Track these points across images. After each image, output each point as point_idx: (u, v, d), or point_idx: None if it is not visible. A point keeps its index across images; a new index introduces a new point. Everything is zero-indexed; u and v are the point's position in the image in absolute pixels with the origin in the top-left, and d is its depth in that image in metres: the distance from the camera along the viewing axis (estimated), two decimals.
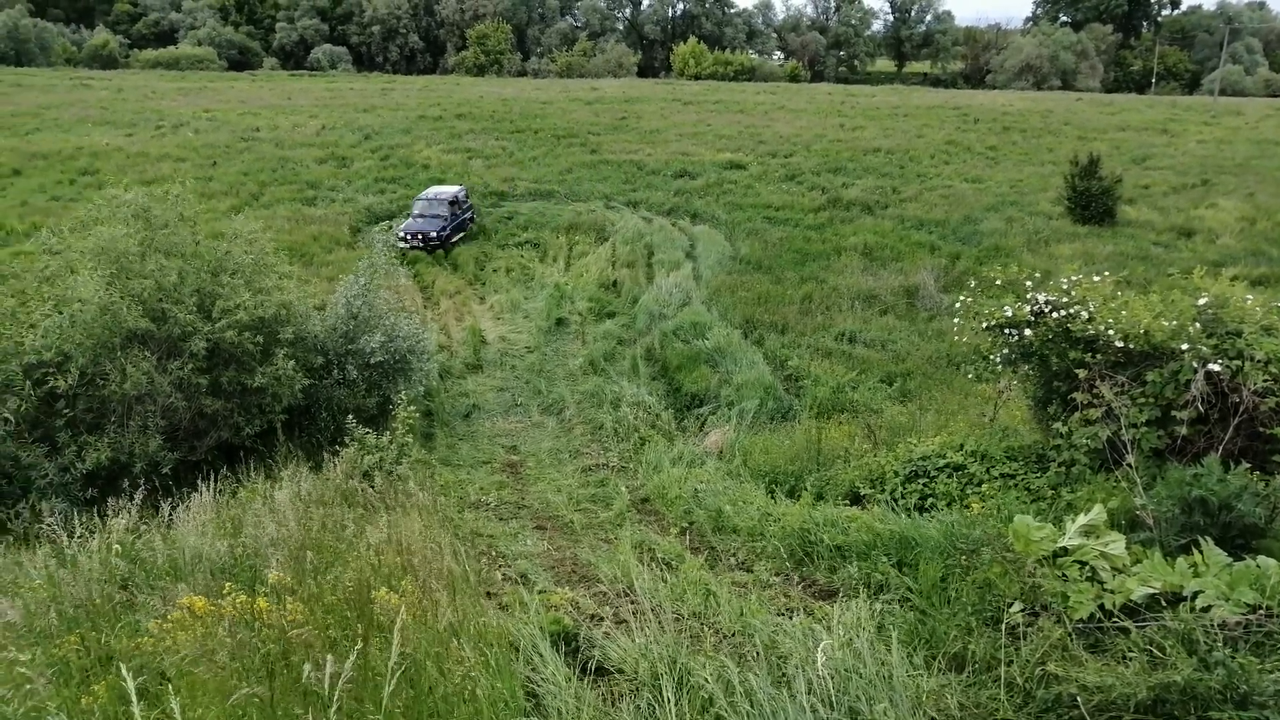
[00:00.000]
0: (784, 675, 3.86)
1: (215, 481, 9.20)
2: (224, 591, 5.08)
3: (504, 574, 8.46)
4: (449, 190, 31.57)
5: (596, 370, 19.97)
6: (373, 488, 9.29)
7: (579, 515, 11.88)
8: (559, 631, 6.01)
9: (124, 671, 3.52)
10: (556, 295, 24.37)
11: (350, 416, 11.37)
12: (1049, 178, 34.35)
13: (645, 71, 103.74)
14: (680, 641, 5.04)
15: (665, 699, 4.23)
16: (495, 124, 49.36)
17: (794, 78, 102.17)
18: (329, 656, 2.78)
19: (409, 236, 29.17)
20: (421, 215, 30.21)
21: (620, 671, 5.22)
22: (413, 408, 12.28)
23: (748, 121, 52.15)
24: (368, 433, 10.77)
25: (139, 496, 9.63)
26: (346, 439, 10.86)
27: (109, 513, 8.73)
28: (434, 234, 29.37)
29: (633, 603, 6.79)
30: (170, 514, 8.08)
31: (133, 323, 11.90)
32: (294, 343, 13.74)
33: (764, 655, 4.17)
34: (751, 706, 3.42)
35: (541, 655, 5.21)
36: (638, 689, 4.74)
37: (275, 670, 3.70)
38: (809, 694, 3.44)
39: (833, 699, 3.40)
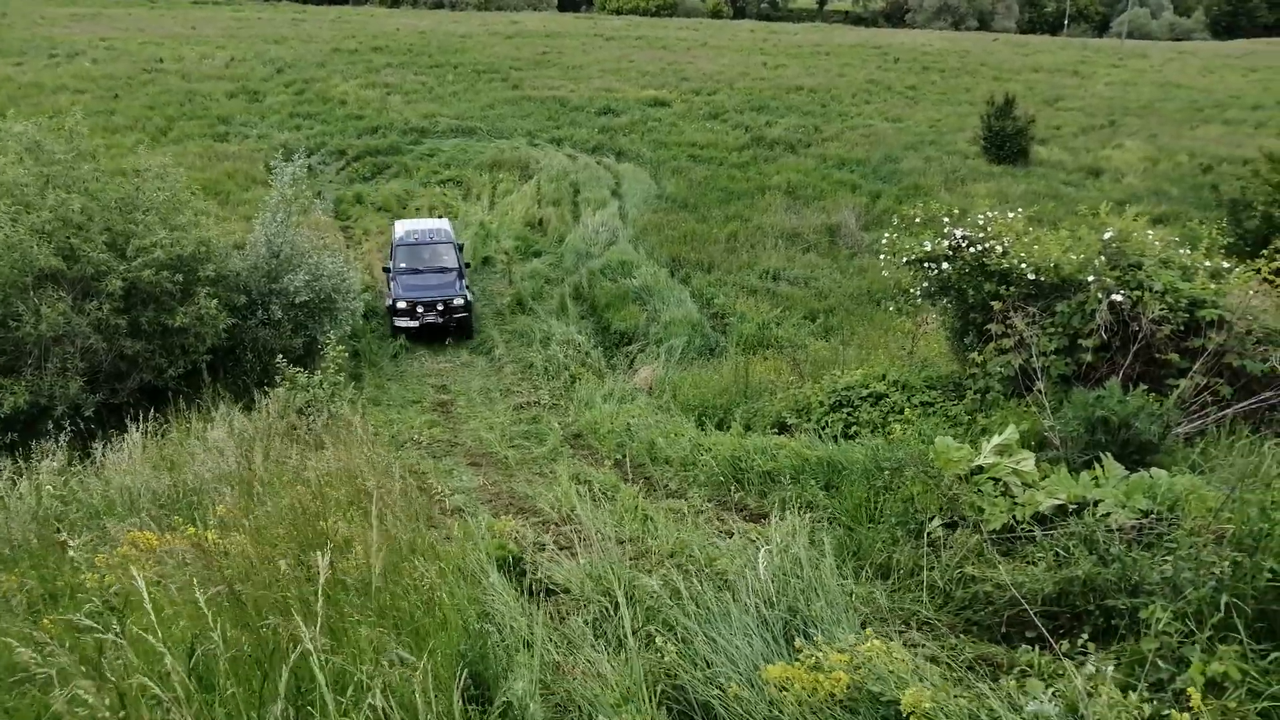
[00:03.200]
0: (726, 583, 4.13)
1: (144, 423, 9.08)
2: (173, 525, 5.12)
3: (441, 508, 8.61)
4: (442, 224, 21.13)
5: (525, 309, 19.99)
6: (308, 425, 9.31)
7: (513, 451, 12.03)
8: (505, 557, 6.20)
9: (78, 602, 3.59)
10: (482, 234, 24.16)
11: (281, 356, 11.26)
12: (966, 117, 35.06)
13: (566, 5, 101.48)
14: (624, 561, 5.29)
15: (615, 610, 4.47)
16: (413, 58, 47.95)
17: (716, 14, 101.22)
18: (317, 554, 2.91)
19: (414, 309, 18.33)
20: (420, 269, 19.17)
21: (566, 591, 5.45)
22: (341, 347, 12.20)
23: (670, 58, 51.72)
24: (299, 371, 10.69)
25: (64, 439, 9.47)
26: (277, 378, 10.77)
27: (34, 456, 8.58)
28: (459, 300, 18.61)
29: (575, 529, 7.04)
30: (101, 455, 7.99)
31: (43, 261, 11.50)
32: (215, 281, 13.45)
33: (705, 568, 4.43)
34: (698, 608, 3.67)
35: (490, 578, 5.40)
36: (585, 605, 4.98)
37: (237, 593, 3.80)
38: (750, 595, 3.71)
39: (773, 599, 3.68)
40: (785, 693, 2.92)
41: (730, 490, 8.43)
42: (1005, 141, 29.43)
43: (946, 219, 9.44)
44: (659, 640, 3.46)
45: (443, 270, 19.18)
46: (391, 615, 3.22)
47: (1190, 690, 2.45)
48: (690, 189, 27.51)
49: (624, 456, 10.88)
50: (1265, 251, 9.65)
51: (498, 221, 25.33)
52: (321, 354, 11.74)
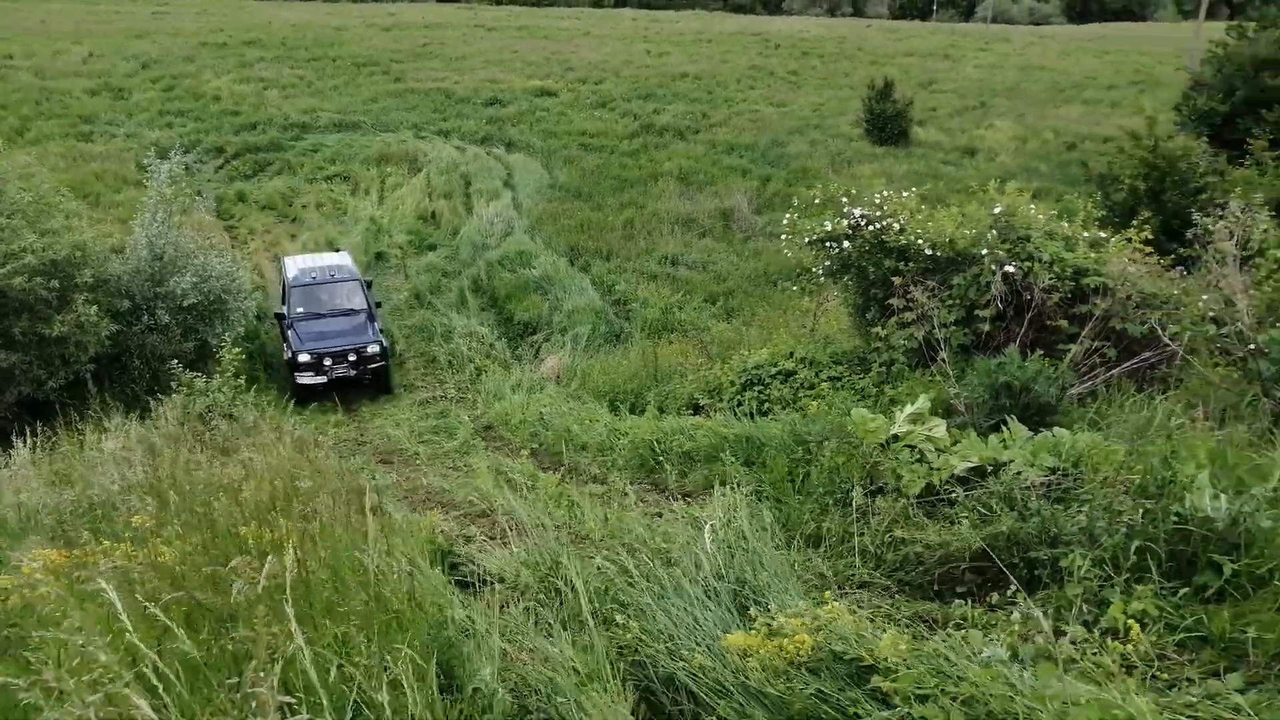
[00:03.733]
0: (670, 560, 4.19)
1: (30, 438, 8.57)
2: (83, 540, 4.87)
3: (359, 507, 8.42)
4: (343, 260, 18.03)
5: (423, 303, 19.63)
6: (209, 431, 8.96)
7: (423, 447, 11.86)
8: (435, 550, 6.13)
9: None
10: (373, 229, 23.57)
11: (176, 362, 10.79)
12: (847, 101, 36.00)
13: None
14: (559, 546, 5.30)
15: (557, 595, 4.49)
16: (288, 51, 46.24)
17: (597, 3, 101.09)
18: (270, 557, 2.83)
19: (320, 362, 15.13)
20: (322, 314, 16.04)
21: (501, 580, 5.43)
22: (237, 349, 11.78)
23: (554, 48, 51.37)
24: (196, 376, 10.28)
25: None
26: (174, 384, 10.33)
27: None
28: (374, 348, 15.49)
29: (499, 520, 7.00)
30: None
31: None
32: (95, 287, 12.78)
33: (649, 547, 4.48)
34: (649, 585, 3.72)
35: (423, 572, 5.33)
36: (523, 592, 4.97)
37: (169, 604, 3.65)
38: (699, 569, 3.79)
39: (722, 572, 3.76)
40: (749, 659, 3.00)
41: (649, 472, 8.53)
42: (886, 124, 30.36)
43: (845, 199, 9.73)
44: (619, 618, 3.49)
45: (349, 313, 15.99)
46: (344, 613, 3.15)
47: (1131, 624, 2.62)
48: (583, 178, 27.45)
49: (540, 445, 10.86)
50: (1134, 222, 10.31)
51: (389, 216, 24.74)
52: (217, 357, 11.28)
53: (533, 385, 13.90)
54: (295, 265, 17.35)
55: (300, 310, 16.02)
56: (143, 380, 13.08)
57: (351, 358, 15.18)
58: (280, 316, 16.52)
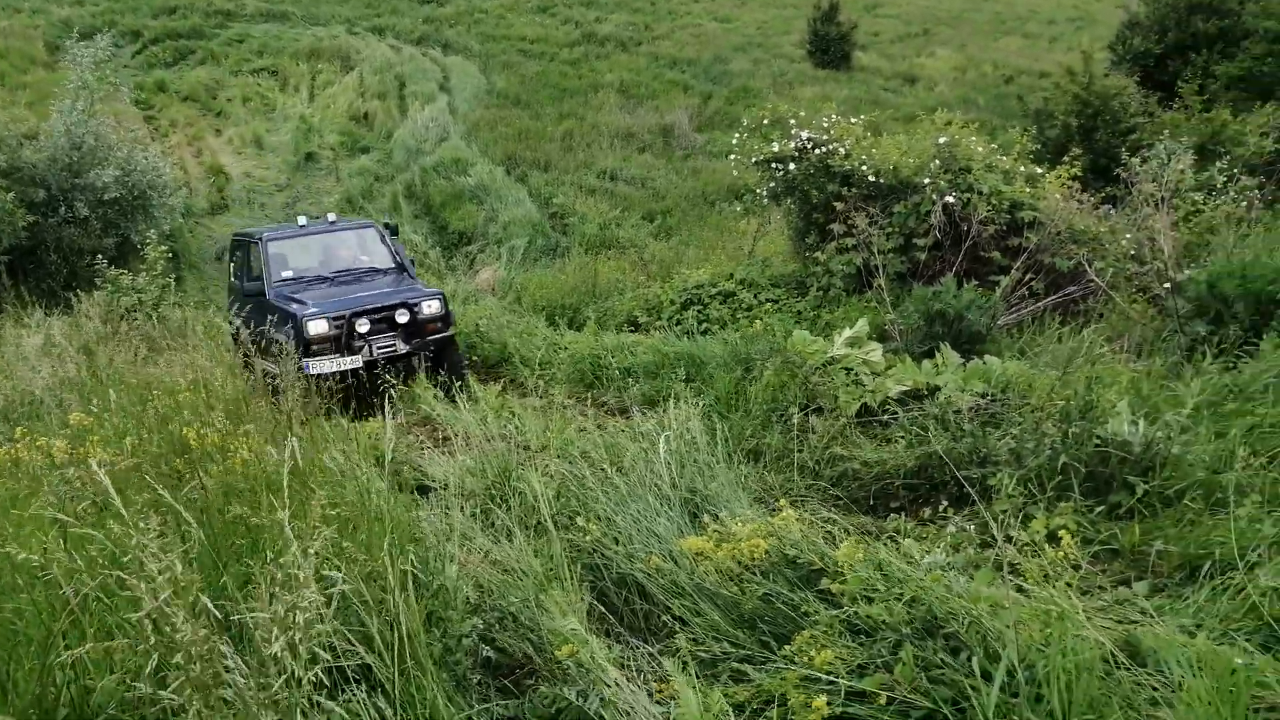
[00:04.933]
0: (621, 469, 4.33)
1: None
2: (15, 436, 4.78)
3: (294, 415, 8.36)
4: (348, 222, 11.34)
5: (355, 208, 19.16)
6: (134, 330, 8.75)
7: None
8: (377, 456, 6.18)
9: None
10: (304, 128, 22.76)
11: (99, 257, 10.42)
12: (791, 20, 35.61)
13: None
14: (508, 454, 5.40)
15: (504, 502, 4.61)
16: None
17: None
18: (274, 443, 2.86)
19: (349, 332, 8.60)
20: (327, 277, 9.69)
21: (445, 488, 5.52)
22: (163, 247, 11.42)
23: None
24: (121, 273, 9.96)
25: None
26: (96, 281, 10.00)
27: None
28: (435, 305, 9.11)
29: (445, 428, 7.05)
30: None
31: None
32: (6, 174, 12.19)
33: (595, 456, 4.61)
34: (605, 491, 3.86)
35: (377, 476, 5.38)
36: (469, 499, 5.08)
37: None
38: (652, 477, 3.93)
39: (675, 481, 3.91)
40: (703, 562, 3.16)
41: (591, 387, 8.64)
42: (830, 46, 30.16)
43: (793, 121, 9.76)
44: (579, 521, 3.62)
45: (370, 274, 9.80)
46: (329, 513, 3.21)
47: (1063, 533, 2.85)
48: (522, 85, 26.79)
49: (477, 357, 10.87)
50: (1065, 159, 10.60)
51: (319, 115, 23.89)
52: (141, 255, 10.93)
53: (468, 296, 13.80)
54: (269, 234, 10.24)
55: (285, 275, 9.47)
56: (60, 275, 12.62)
57: (402, 318, 8.82)
58: (241, 295, 9.84)
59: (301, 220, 10.29)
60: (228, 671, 2.25)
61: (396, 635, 2.58)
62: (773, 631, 2.92)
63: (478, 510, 4.82)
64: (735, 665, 2.83)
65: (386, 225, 10.67)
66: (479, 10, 34.48)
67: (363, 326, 8.65)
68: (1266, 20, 17.53)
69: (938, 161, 8.83)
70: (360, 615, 2.67)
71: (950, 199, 8.48)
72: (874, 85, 28.70)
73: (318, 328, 8.45)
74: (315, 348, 8.42)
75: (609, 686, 2.52)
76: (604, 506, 3.73)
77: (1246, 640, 2.68)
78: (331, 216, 10.57)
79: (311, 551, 2.42)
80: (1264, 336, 5.52)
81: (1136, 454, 4.12)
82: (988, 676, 2.35)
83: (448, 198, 19.00)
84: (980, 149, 9.35)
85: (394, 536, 3.04)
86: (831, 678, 2.54)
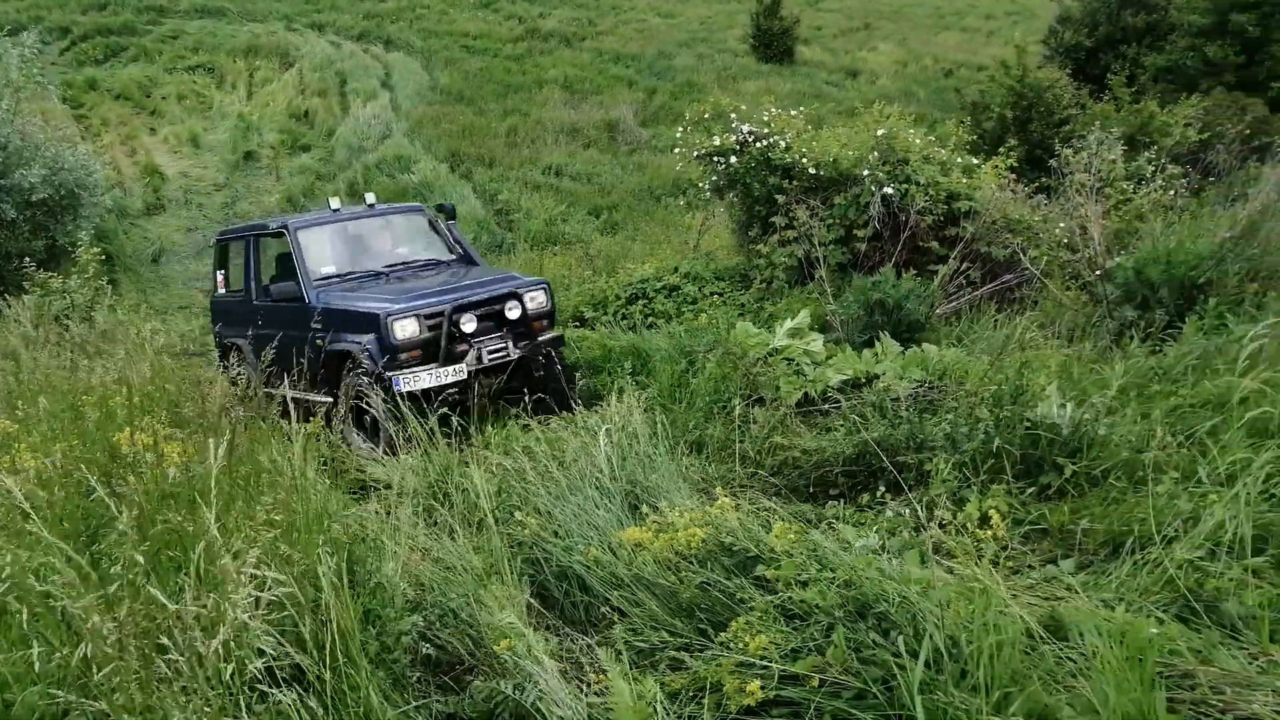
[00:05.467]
0: (562, 463, 4.33)
1: None
2: None
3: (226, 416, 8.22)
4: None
5: (297, 207, 18.86)
6: (67, 333, 8.52)
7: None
8: (319, 458, 6.10)
9: None
10: (242, 126, 22.30)
11: (27, 260, 10.13)
12: (735, 15, 35.78)
13: None
14: (448, 452, 5.36)
15: (446, 499, 4.59)
16: None
17: None
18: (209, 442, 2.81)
19: (448, 334, 6.72)
20: (388, 276, 7.80)
21: (388, 488, 5.48)
22: (95, 249, 11.14)
23: None
24: (50, 276, 9.71)
25: None
26: (25, 284, 9.73)
27: None
28: (542, 296, 7.51)
29: (388, 427, 6.99)
30: None
31: None
32: None
33: (537, 451, 4.60)
34: (545, 484, 3.86)
35: (306, 477, 5.32)
36: (410, 498, 5.05)
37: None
38: (593, 470, 3.95)
39: (615, 473, 3.93)
40: (642, 552, 3.18)
41: None
42: (773, 41, 30.37)
43: (734, 115, 9.82)
44: (518, 515, 3.62)
45: (430, 266, 8.10)
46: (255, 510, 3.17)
47: (993, 513, 2.92)
48: (466, 81, 26.59)
49: None
50: (1001, 150, 10.82)
51: (258, 113, 23.42)
52: (73, 257, 10.64)
53: None
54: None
55: (326, 273, 7.66)
56: None
57: (513, 313, 7.13)
58: (277, 320, 7.82)
59: (334, 204, 8.44)
60: (157, 679, 2.22)
61: (330, 634, 2.56)
62: (710, 619, 2.95)
63: (420, 509, 4.80)
64: (673, 654, 2.85)
65: (440, 208, 9.02)
66: (420, 6, 34.12)
67: (469, 325, 6.81)
68: (1191, 14, 18.06)
69: (876, 154, 8.95)
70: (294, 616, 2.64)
71: (889, 190, 8.60)
72: (817, 79, 28.97)
73: (407, 329, 6.57)
74: (404, 357, 6.55)
75: (545, 679, 2.52)
76: (543, 501, 3.73)
77: (1163, 612, 2.77)
78: (370, 198, 8.84)
79: (244, 554, 2.40)
80: (1186, 320, 5.70)
81: (1065, 436, 4.23)
82: (916, 655, 2.41)
83: (391, 196, 18.74)
84: (918, 141, 9.50)
85: (328, 535, 3.02)
86: (765, 662, 2.58)
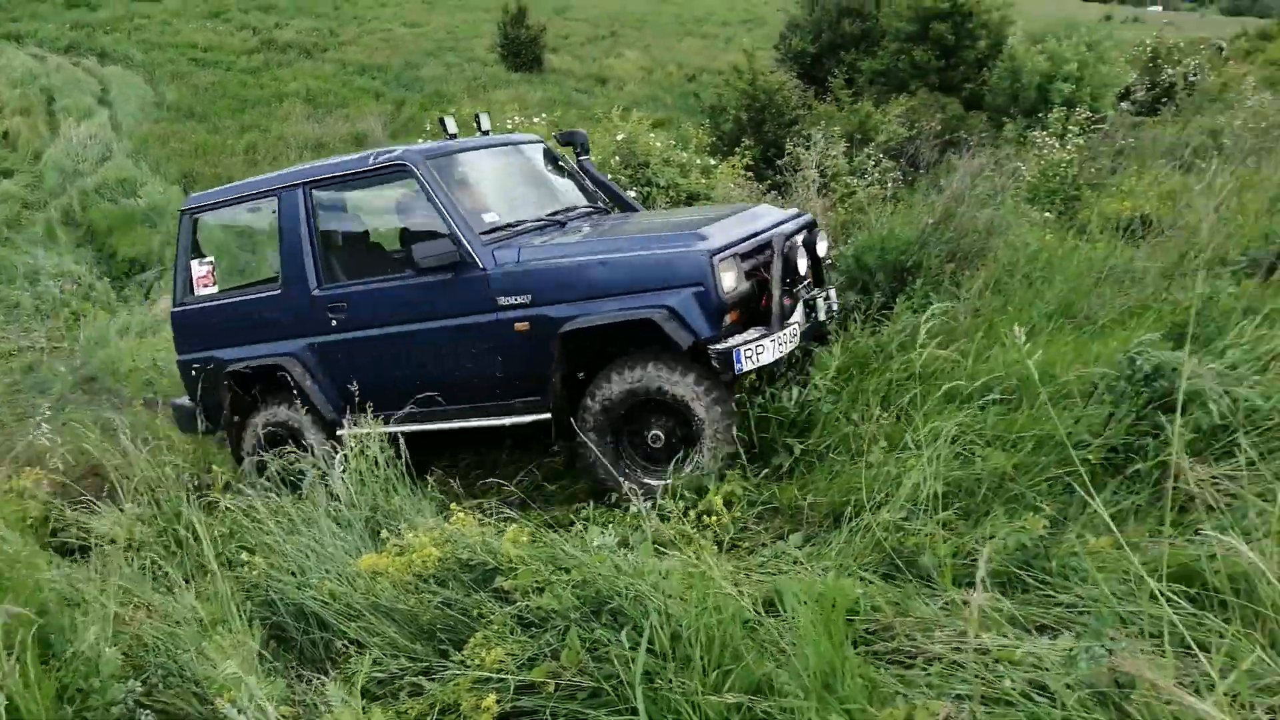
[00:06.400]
0: (300, 496, 4.12)
1: None
2: None
3: None
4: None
5: (0, 240, 16.90)
6: None
7: (5, 408, 10.38)
8: (28, 520, 5.51)
9: None
10: None
11: None
12: (481, 24, 35.60)
13: None
14: (180, 496, 4.96)
15: (180, 547, 4.24)
16: None
17: None
18: None
19: (780, 278, 4.57)
20: (561, 226, 5.28)
21: (113, 543, 5.01)
22: None
23: None
24: None
25: None
26: None
27: None
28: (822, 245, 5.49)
29: (115, 475, 6.37)
30: None
31: None
32: None
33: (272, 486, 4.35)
34: (277, 521, 3.65)
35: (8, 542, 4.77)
36: (138, 550, 4.64)
37: None
38: (333, 499, 3.78)
39: (354, 501, 3.77)
40: (380, 579, 3.07)
41: None
42: (521, 49, 30.50)
43: (476, 123, 9.73)
44: (244, 557, 3.39)
45: (592, 214, 5.86)
46: None
47: (716, 502, 3.04)
48: (196, 96, 24.88)
49: (155, 394, 9.93)
50: (738, 149, 11.42)
51: None
52: None
53: (144, 328, 12.61)
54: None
55: (492, 221, 5.11)
56: None
57: (822, 248, 5.65)
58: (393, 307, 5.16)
59: (450, 126, 6.03)
60: None
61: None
62: (451, 639, 2.89)
63: (148, 562, 4.41)
64: (413, 679, 2.77)
65: (569, 138, 6.55)
66: (139, 16, 31.52)
67: (803, 263, 4.88)
68: (898, 21, 19.82)
69: (618, 157, 9.16)
70: None
71: (631, 193, 8.82)
72: (567, 86, 29.39)
73: (733, 277, 4.48)
74: (727, 321, 4.47)
75: None
76: (274, 538, 3.52)
77: (873, 572, 3.00)
78: (484, 120, 6.53)
79: None
80: (898, 300, 6.22)
81: (793, 417, 4.50)
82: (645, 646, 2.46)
83: (115, 222, 17.24)
84: (659, 144, 9.82)
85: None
86: (502, 675, 2.55)
